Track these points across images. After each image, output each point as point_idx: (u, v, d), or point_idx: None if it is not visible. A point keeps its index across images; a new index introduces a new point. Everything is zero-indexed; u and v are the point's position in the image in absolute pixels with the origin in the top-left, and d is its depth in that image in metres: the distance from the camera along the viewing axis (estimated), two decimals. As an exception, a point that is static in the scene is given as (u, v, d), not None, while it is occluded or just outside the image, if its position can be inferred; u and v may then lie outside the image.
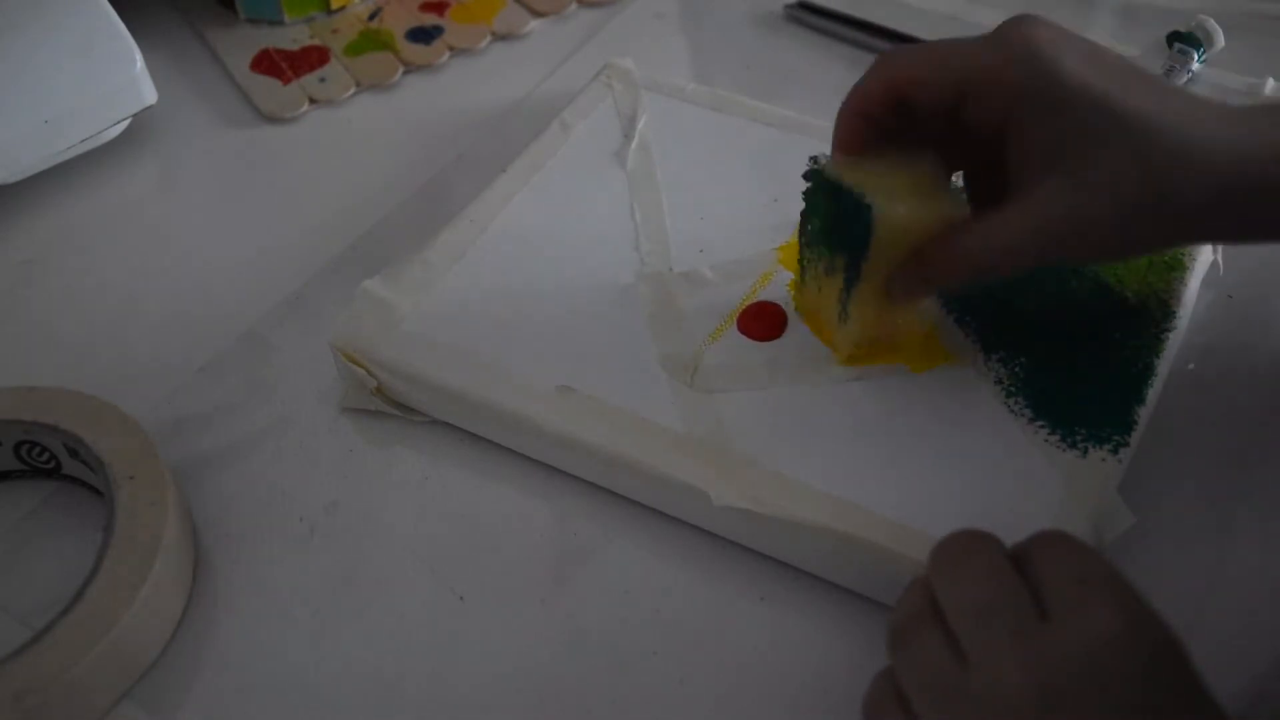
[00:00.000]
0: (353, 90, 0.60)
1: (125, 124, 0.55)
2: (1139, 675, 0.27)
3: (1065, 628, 0.28)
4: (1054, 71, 0.34)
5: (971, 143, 0.37)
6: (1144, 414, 0.40)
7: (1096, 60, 0.35)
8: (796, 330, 0.43)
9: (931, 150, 0.38)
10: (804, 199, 0.40)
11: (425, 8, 0.65)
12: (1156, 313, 0.43)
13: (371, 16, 0.65)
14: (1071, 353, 0.42)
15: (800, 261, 0.42)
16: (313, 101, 0.59)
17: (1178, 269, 0.45)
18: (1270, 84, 0.59)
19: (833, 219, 0.39)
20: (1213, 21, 0.59)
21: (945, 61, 0.36)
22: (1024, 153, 0.36)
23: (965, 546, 0.31)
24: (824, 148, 0.40)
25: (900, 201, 0.37)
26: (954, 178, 0.40)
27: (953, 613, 0.30)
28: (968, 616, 0.29)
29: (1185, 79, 0.59)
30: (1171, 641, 0.28)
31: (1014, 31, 0.35)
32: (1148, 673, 0.27)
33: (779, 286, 0.45)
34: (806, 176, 0.40)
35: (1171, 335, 0.43)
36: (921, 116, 0.37)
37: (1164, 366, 0.42)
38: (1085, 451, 0.39)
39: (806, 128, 0.52)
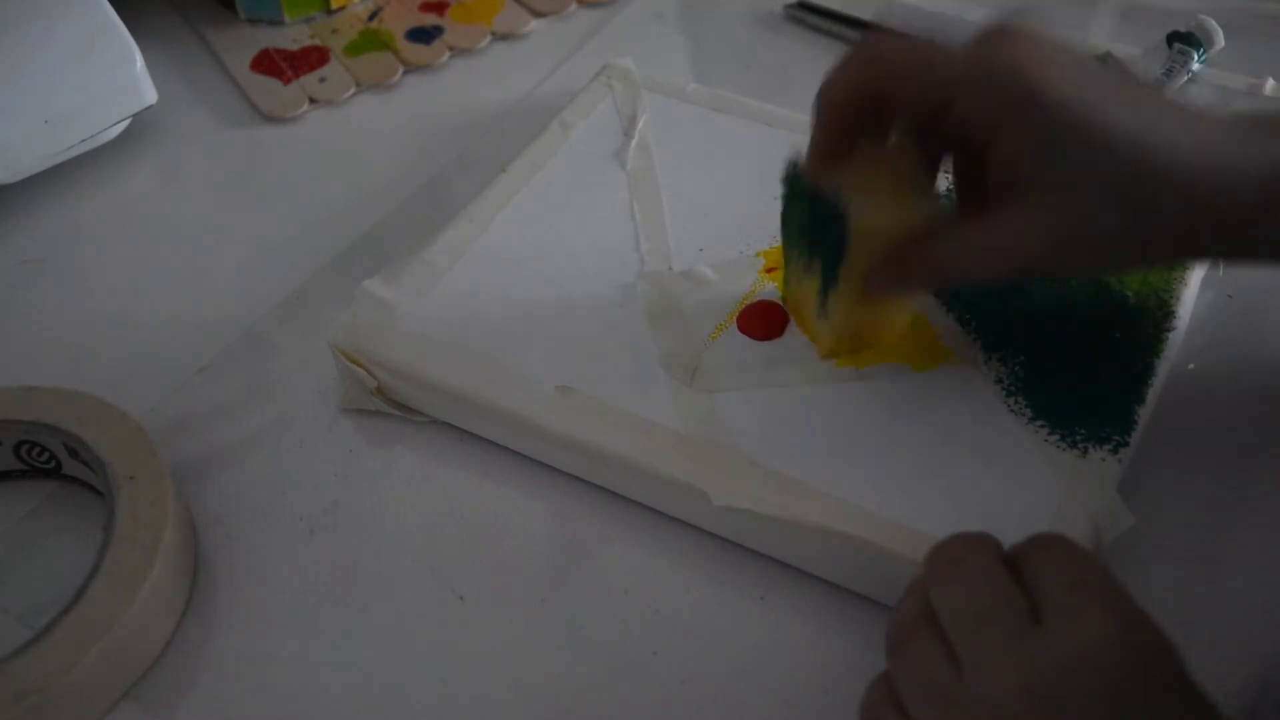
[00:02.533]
0: (353, 90, 0.60)
1: (125, 124, 0.55)
2: (1132, 680, 0.27)
3: (1058, 633, 0.28)
4: (1038, 90, 0.34)
5: (952, 141, 0.37)
6: (1144, 414, 0.40)
7: (1083, 77, 0.34)
8: (796, 330, 0.43)
9: (912, 144, 0.38)
10: (782, 201, 0.40)
11: (425, 8, 0.65)
12: (1156, 313, 0.43)
13: (371, 16, 0.65)
14: (1071, 353, 0.42)
15: (785, 257, 0.42)
16: (313, 101, 0.59)
17: (1178, 269, 0.45)
18: (1270, 84, 0.59)
19: (809, 223, 0.39)
20: (1213, 21, 0.59)
21: (928, 65, 0.35)
22: (1005, 166, 0.35)
23: (960, 550, 0.31)
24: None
25: (876, 209, 0.37)
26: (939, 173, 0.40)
27: (947, 618, 0.30)
28: (962, 622, 0.29)
29: (1185, 79, 0.59)
30: (1165, 646, 0.28)
31: (1000, 42, 0.35)
32: (1141, 678, 0.27)
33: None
34: (784, 180, 0.39)
35: (1171, 335, 0.43)
36: (902, 116, 0.37)
37: (1164, 366, 0.42)
38: (1085, 451, 0.39)
39: (806, 128, 0.51)
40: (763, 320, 0.43)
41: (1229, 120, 0.35)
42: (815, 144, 0.38)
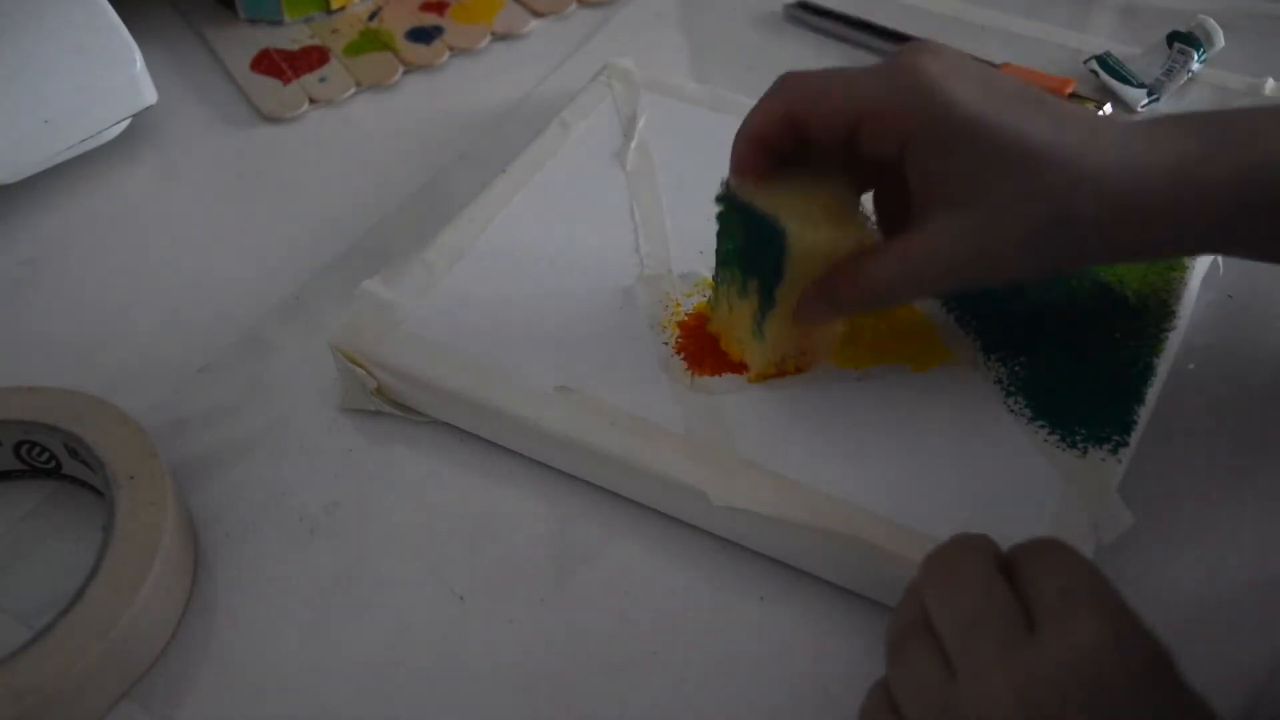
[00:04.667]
0: (353, 90, 0.60)
1: (125, 124, 0.55)
2: (1124, 687, 0.27)
3: (1050, 640, 0.28)
4: (947, 105, 0.34)
5: (873, 167, 0.38)
6: (1144, 414, 0.40)
7: (991, 89, 0.35)
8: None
9: (840, 172, 0.38)
10: (717, 221, 0.40)
11: (425, 8, 0.65)
12: (1156, 313, 0.43)
13: (371, 16, 0.65)
14: (1071, 353, 0.42)
15: (714, 279, 0.42)
16: (313, 101, 0.59)
17: (1178, 269, 0.45)
18: (1270, 84, 0.59)
19: (745, 242, 0.39)
20: (1213, 21, 0.60)
21: (838, 93, 0.36)
22: (923, 184, 0.36)
23: (956, 555, 0.31)
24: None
25: (813, 226, 0.37)
26: (863, 199, 0.40)
27: (942, 625, 0.30)
28: (956, 630, 0.29)
29: (1185, 79, 0.59)
30: (1158, 652, 0.28)
31: (905, 63, 0.35)
32: (1133, 684, 0.27)
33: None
34: (718, 199, 0.39)
35: (1171, 335, 0.43)
36: (819, 144, 0.37)
37: (1164, 366, 0.42)
38: (1085, 451, 0.39)
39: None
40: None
41: (1125, 123, 0.36)
42: (735, 164, 0.39)
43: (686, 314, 0.43)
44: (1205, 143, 0.35)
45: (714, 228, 0.46)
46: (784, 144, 0.38)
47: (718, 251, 0.41)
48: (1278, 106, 0.37)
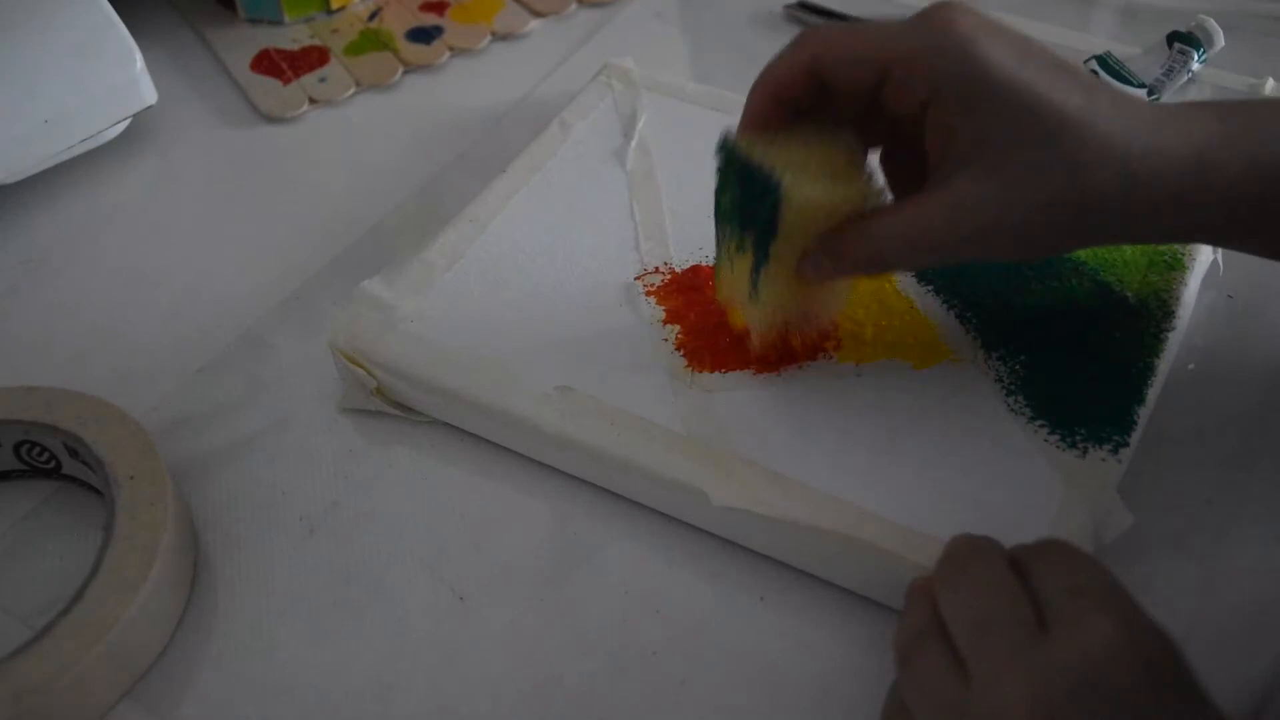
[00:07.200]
0: (353, 90, 0.60)
1: (125, 124, 0.55)
2: (1135, 686, 0.27)
3: (1061, 640, 0.28)
4: (980, 63, 0.33)
5: (890, 122, 0.36)
6: (1144, 414, 0.40)
7: (1024, 53, 0.34)
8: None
9: (848, 127, 0.37)
10: (716, 174, 0.39)
11: (425, 8, 0.65)
12: (1156, 313, 0.43)
13: (371, 16, 0.65)
14: (1071, 352, 0.42)
15: (717, 238, 0.40)
16: (313, 101, 0.59)
17: (1178, 269, 0.45)
18: (1270, 84, 0.59)
19: (741, 196, 0.38)
20: (1213, 21, 0.59)
21: (868, 44, 0.35)
22: (944, 142, 0.35)
23: (969, 558, 0.31)
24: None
25: (810, 182, 0.36)
26: (871, 155, 0.39)
27: (954, 626, 0.30)
28: (968, 630, 0.29)
29: (1185, 79, 0.59)
30: (1170, 650, 0.28)
31: (939, 16, 0.34)
32: (1144, 683, 0.27)
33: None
34: (717, 150, 0.38)
35: (1171, 335, 0.43)
36: (840, 96, 0.36)
37: (1164, 366, 0.42)
38: (1085, 451, 0.39)
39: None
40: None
41: (1155, 104, 0.35)
42: (746, 117, 0.37)
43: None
44: (1229, 133, 0.34)
45: (713, 225, 0.46)
46: (802, 97, 0.36)
47: (716, 207, 0.39)
48: None
